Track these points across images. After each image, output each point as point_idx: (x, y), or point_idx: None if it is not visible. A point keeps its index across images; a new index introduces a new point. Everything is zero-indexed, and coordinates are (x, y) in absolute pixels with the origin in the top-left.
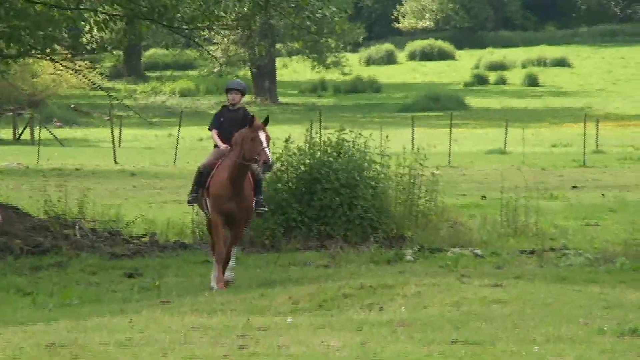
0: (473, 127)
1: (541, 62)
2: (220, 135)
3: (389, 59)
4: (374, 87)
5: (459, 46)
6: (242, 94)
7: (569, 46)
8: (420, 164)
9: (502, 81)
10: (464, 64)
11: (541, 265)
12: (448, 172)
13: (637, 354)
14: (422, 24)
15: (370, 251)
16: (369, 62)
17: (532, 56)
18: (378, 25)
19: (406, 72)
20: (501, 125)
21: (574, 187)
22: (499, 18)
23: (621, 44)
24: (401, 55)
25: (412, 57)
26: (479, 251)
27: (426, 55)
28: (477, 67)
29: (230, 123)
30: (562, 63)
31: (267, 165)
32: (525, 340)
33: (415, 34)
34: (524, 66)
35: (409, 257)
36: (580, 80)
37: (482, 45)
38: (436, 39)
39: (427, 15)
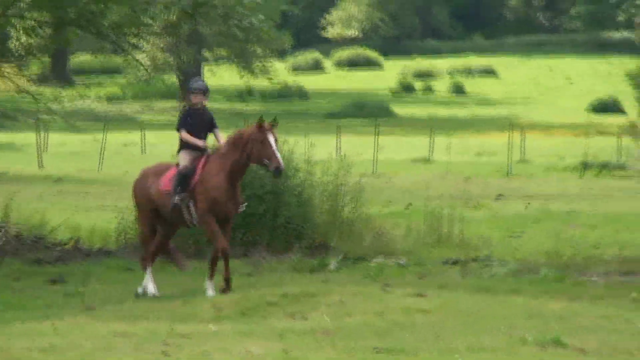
0: (399, 135)
1: (468, 71)
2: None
3: (316, 67)
4: (301, 94)
5: (386, 55)
6: (205, 94)
7: (495, 55)
8: (346, 172)
9: (428, 89)
10: (391, 72)
11: (464, 275)
12: (373, 180)
13: None
14: (349, 32)
15: (293, 260)
16: (296, 69)
17: (458, 65)
18: (305, 33)
19: (333, 79)
20: (427, 134)
21: (499, 196)
22: (426, 27)
23: (548, 54)
24: (328, 63)
25: (339, 65)
26: (402, 260)
27: (353, 63)
28: (403, 75)
29: (198, 124)
30: (488, 72)
31: (279, 170)
32: (448, 349)
33: (343, 42)
34: (450, 75)
35: (332, 266)
36: (506, 89)
37: (409, 54)
38: (363, 48)
39: (355, 24)
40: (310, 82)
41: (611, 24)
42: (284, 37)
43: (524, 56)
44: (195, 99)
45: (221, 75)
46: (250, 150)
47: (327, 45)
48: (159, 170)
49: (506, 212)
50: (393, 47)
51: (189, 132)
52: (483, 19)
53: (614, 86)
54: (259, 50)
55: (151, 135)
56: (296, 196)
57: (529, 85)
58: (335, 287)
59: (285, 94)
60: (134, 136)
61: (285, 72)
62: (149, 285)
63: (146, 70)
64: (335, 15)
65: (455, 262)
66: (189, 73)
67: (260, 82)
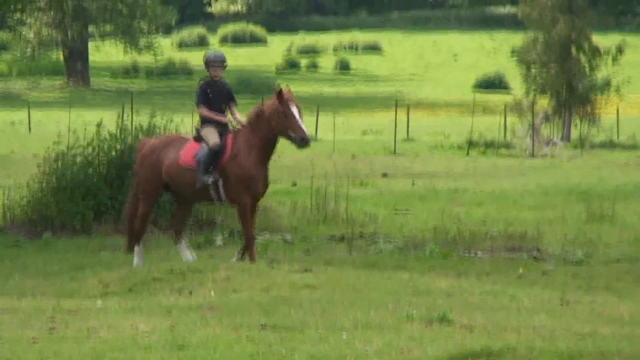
0: None
1: (353, 47)
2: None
3: (202, 43)
4: (186, 71)
5: (271, 30)
6: (224, 65)
7: (380, 31)
8: None
9: (313, 66)
10: (276, 48)
11: (350, 251)
12: None
13: (445, 340)
14: (234, 8)
15: None
16: (182, 45)
17: (344, 41)
18: (190, 9)
19: None
20: (312, 112)
21: (384, 174)
22: (311, 2)
23: (433, 29)
24: (213, 39)
25: (224, 41)
26: (288, 237)
27: (238, 39)
28: (289, 51)
29: (218, 97)
30: (374, 48)
31: (305, 140)
32: (334, 326)
33: (228, 18)
34: (335, 50)
35: (219, 242)
36: (392, 66)
37: (294, 30)
38: (248, 23)
39: (240, 1)
40: (195, 58)
41: None
42: (169, 12)
43: (409, 32)
44: (215, 72)
45: (107, 52)
46: (275, 123)
47: (213, 21)
48: (170, 144)
49: (392, 190)
50: (278, 22)
51: (209, 106)
52: None
53: (499, 62)
54: (144, 26)
55: (38, 113)
56: None
57: (414, 61)
58: (222, 263)
59: (171, 70)
60: (21, 114)
61: (171, 49)
62: (139, 260)
63: (32, 45)
64: None
65: (341, 239)
66: (75, 49)
67: (145, 59)
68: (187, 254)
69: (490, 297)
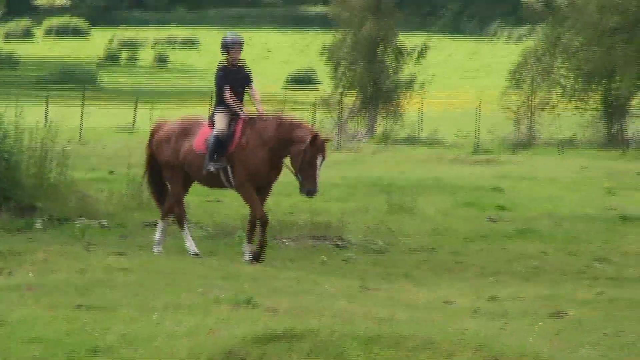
0: (104, 105)
1: (171, 42)
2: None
3: (27, 35)
4: (12, 62)
5: (95, 24)
6: (242, 47)
7: (198, 27)
8: (52, 139)
9: (133, 59)
10: (99, 41)
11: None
12: (79, 147)
13: (251, 322)
14: (59, 1)
15: (1, 220)
16: (7, 37)
17: (163, 36)
18: (17, 1)
19: (43, 48)
20: (131, 104)
21: None
22: None
23: (248, 26)
24: (38, 32)
25: (48, 33)
26: (105, 222)
27: (62, 32)
28: (110, 45)
29: (236, 82)
30: (191, 43)
31: (311, 193)
32: (146, 307)
33: (53, 10)
34: (155, 44)
35: (38, 226)
36: (208, 61)
37: (116, 24)
38: (72, 16)
39: None
40: (21, 49)
41: None
42: None
43: (225, 28)
44: (235, 53)
45: None
46: (295, 158)
47: (38, 13)
48: (187, 129)
49: None
50: (101, 16)
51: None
52: None
53: (310, 59)
54: None
55: None
56: (5, 160)
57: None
58: (41, 245)
59: None
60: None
61: None
62: (191, 245)
63: None
64: None
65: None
66: None
67: None
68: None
69: (295, 282)
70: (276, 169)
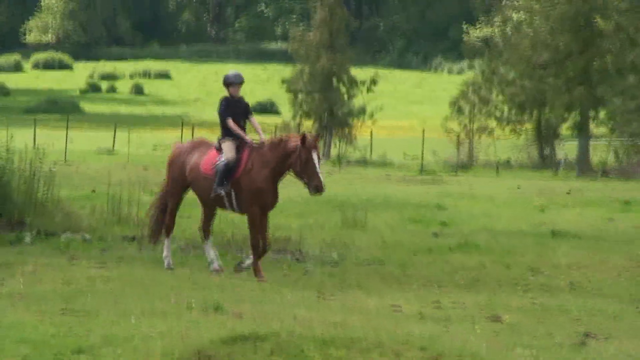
0: (86, 129)
1: (147, 74)
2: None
3: (17, 68)
4: (3, 91)
5: (77, 58)
6: (241, 85)
7: (171, 61)
8: (40, 160)
9: (112, 90)
10: (81, 74)
11: (140, 249)
12: (64, 167)
13: (219, 326)
14: (45, 38)
15: None
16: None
17: (139, 69)
18: (8, 38)
19: (31, 79)
20: (111, 128)
21: None
22: (112, 35)
23: (215, 61)
24: (27, 65)
25: (36, 66)
26: (87, 236)
27: (48, 66)
28: (91, 76)
29: (237, 113)
30: (164, 76)
31: (318, 189)
32: (125, 312)
33: (40, 47)
34: (132, 77)
35: (27, 240)
36: (179, 91)
37: (97, 59)
38: (57, 52)
39: (50, 31)
40: (11, 80)
41: (270, 36)
42: None
43: (195, 62)
44: (234, 91)
45: None
46: (294, 164)
47: (27, 49)
48: (196, 148)
49: None
50: (83, 52)
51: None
52: (160, 28)
53: (272, 90)
54: None
55: None
56: None
57: (198, 87)
58: (30, 258)
59: None
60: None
61: None
62: (168, 258)
63: None
64: (33, 23)
65: (133, 238)
66: None
67: None
68: (211, 253)
69: (258, 291)
70: (274, 192)
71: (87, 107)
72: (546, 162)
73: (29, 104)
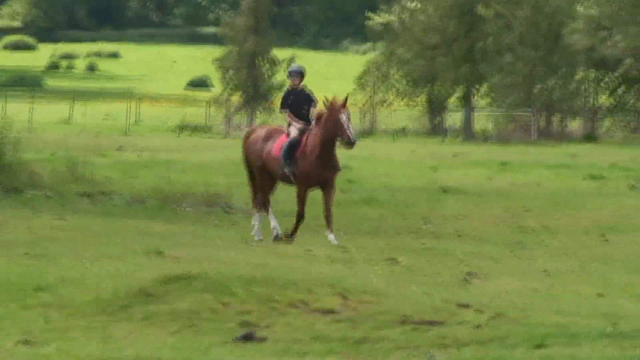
0: (48, 102)
1: (100, 55)
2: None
3: None
4: None
5: (41, 41)
6: (302, 76)
7: (120, 43)
8: (7, 128)
9: (70, 68)
10: (44, 54)
11: (93, 203)
12: (29, 135)
13: (159, 267)
14: (14, 23)
15: None
16: None
17: (93, 50)
18: None
19: (1, 59)
20: (69, 101)
21: (119, 148)
22: (71, 20)
23: (158, 42)
24: None
25: (6, 47)
26: (48, 192)
27: (16, 47)
28: (53, 56)
29: (297, 102)
30: (115, 56)
31: (350, 143)
32: (80, 257)
33: (9, 31)
34: (87, 57)
35: None
36: (127, 69)
37: (58, 41)
38: (24, 35)
39: (18, 18)
40: None
41: (204, 21)
42: None
43: (141, 44)
44: (294, 80)
45: None
46: (327, 128)
47: None
48: (270, 135)
49: (125, 160)
50: (46, 35)
51: (291, 109)
52: (111, 15)
53: (206, 68)
54: None
55: None
56: None
57: (144, 65)
58: None
59: None
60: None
61: None
62: (275, 227)
63: None
64: (4, 10)
65: (87, 194)
66: None
67: None
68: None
69: (193, 238)
70: (330, 165)
71: (49, 82)
72: (436, 129)
73: (1, 80)
